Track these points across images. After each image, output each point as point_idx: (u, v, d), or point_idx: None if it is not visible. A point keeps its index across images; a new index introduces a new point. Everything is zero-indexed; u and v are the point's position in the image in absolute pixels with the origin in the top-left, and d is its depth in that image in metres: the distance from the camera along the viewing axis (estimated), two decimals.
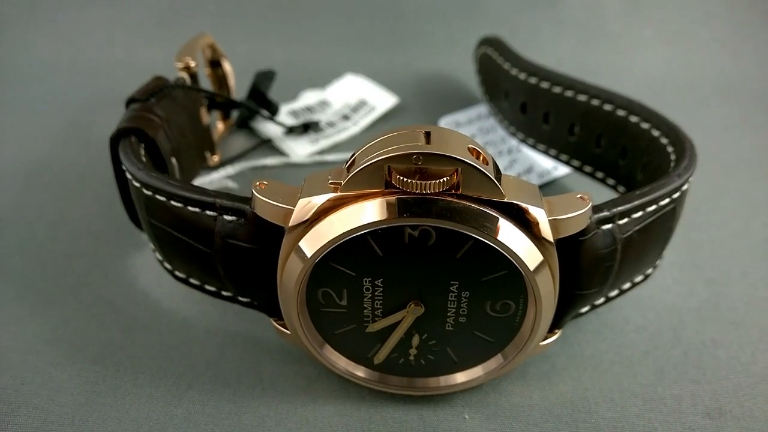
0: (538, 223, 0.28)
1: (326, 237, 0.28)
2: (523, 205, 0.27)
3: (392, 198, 0.27)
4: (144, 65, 0.64)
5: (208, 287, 0.36)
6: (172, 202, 0.33)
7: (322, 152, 0.53)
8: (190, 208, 0.32)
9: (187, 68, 0.45)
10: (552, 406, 0.35)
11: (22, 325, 0.38)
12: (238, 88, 0.55)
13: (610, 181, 0.46)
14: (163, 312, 0.39)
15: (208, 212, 0.32)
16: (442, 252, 0.28)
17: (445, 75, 0.64)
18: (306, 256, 0.28)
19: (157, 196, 0.33)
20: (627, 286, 0.36)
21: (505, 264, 0.28)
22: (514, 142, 0.55)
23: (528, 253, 0.28)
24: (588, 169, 0.47)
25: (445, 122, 0.57)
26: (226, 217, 0.31)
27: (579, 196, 0.30)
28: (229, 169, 0.50)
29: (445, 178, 0.26)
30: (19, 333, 0.38)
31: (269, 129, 0.54)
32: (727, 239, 0.46)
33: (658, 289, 0.41)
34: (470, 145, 0.27)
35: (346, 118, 0.57)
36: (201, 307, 0.39)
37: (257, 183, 0.30)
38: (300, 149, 0.53)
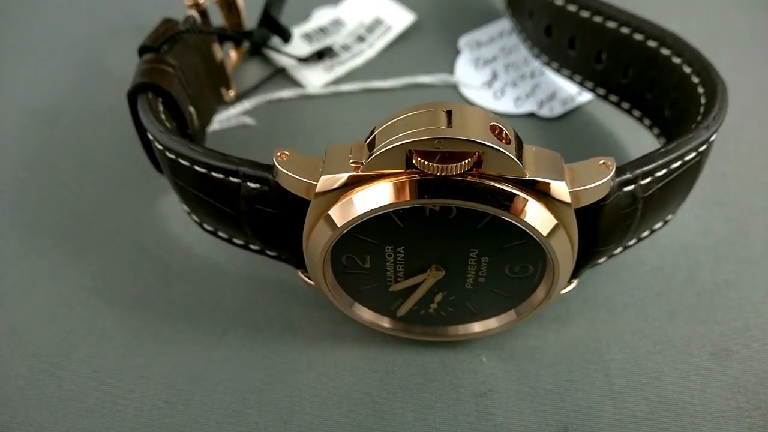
0: (560, 196, 0.28)
1: (351, 214, 0.28)
2: (545, 180, 0.27)
3: (413, 179, 0.27)
4: None
5: (236, 241, 0.37)
6: (196, 168, 0.33)
7: (337, 81, 0.52)
8: (214, 174, 0.32)
9: (197, 5, 0.43)
10: (565, 347, 0.37)
11: (63, 274, 0.40)
12: (249, 9, 0.52)
13: (636, 113, 0.45)
14: (194, 258, 0.41)
15: (232, 179, 0.32)
16: (463, 224, 0.29)
17: None
18: (336, 226, 0.29)
19: (181, 160, 0.33)
20: (646, 234, 0.37)
21: (524, 235, 0.29)
22: (537, 64, 0.53)
23: (547, 225, 0.28)
24: (614, 98, 0.46)
25: (464, 41, 0.55)
26: (250, 184, 0.32)
27: (602, 161, 0.30)
28: (246, 104, 0.50)
29: (466, 160, 0.26)
30: (62, 282, 0.40)
31: (283, 57, 0.53)
32: (753, 171, 0.45)
33: (678, 226, 0.42)
34: (492, 123, 0.27)
35: (361, 39, 0.55)
36: (230, 254, 0.41)
37: (278, 153, 0.30)
38: (315, 79, 0.52)
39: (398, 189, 0.27)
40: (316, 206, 0.30)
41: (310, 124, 0.49)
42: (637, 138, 0.47)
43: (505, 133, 0.27)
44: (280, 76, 0.53)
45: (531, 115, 0.49)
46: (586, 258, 0.33)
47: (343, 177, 0.28)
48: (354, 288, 0.34)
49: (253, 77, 0.52)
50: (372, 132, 0.28)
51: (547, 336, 0.37)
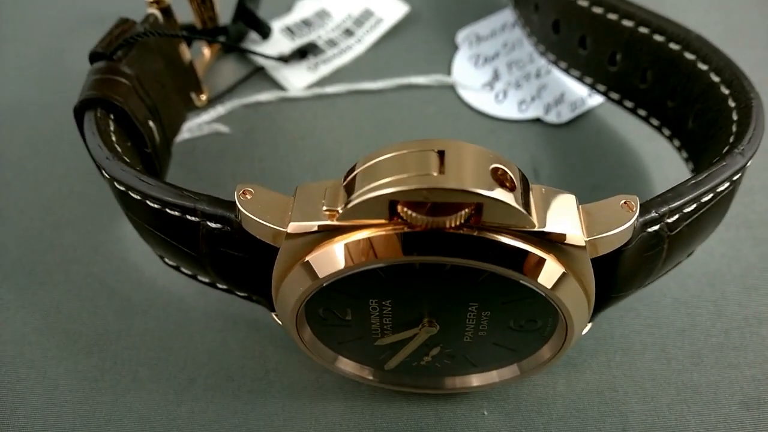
0: (573, 248, 0.23)
1: (334, 266, 0.24)
2: (559, 231, 0.23)
3: (399, 233, 0.22)
4: None
5: (201, 279, 0.32)
6: (148, 203, 0.28)
7: (322, 82, 0.47)
8: (169, 210, 0.28)
9: (157, 1, 0.38)
10: (578, 397, 0.33)
11: (12, 310, 0.36)
12: (226, 1, 0.47)
13: (655, 122, 0.40)
14: (158, 292, 0.37)
15: (189, 217, 0.28)
16: (459, 279, 0.24)
17: None
18: (318, 277, 0.24)
19: (131, 194, 0.29)
20: (668, 269, 0.32)
21: (531, 291, 0.24)
22: (543, 62, 0.47)
23: (553, 277, 0.24)
24: (629, 104, 0.41)
25: (463, 35, 0.49)
26: (210, 224, 0.27)
27: (623, 201, 0.25)
28: (220, 109, 0.45)
29: (462, 212, 0.22)
30: (10, 320, 0.36)
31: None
32: None
33: (701, 252, 0.37)
34: (494, 165, 0.22)
35: (348, 33, 0.50)
36: (198, 287, 0.36)
37: (241, 191, 0.26)
38: (297, 79, 0.47)
39: (384, 243, 0.23)
40: (288, 251, 0.25)
41: (292, 131, 0.45)
42: (654, 149, 0.42)
43: (510, 176, 0.22)
44: (259, 76, 0.47)
45: (536, 121, 0.44)
46: (602, 304, 0.29)
47: (314, 227, 0.23)
48: (334, 341, 0.29)
49: (229, 78, 0.47)
50: (352, 170, 0.23)
51: (556, 384, 0.33)
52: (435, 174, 0.21)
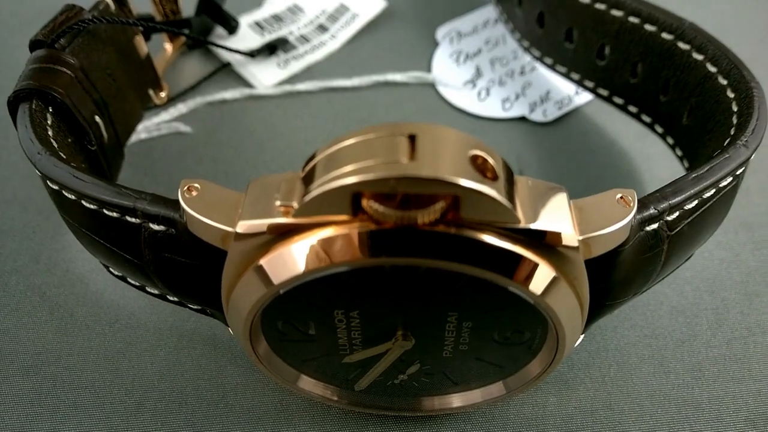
0: (564, 248, 0.20)
1: (292, 270, 0.20)
2: (548, 229, 0.20)
3: (364, 232, 0.19)
4: None
5: (149, 290, 0.29)
6: (83, 203, 0.25)
7: (292, 79, 0.44)
8: (106, 211, 0.24)
9: None
10: (570, 417, 0.29)
11: None
12: None
13: (646, 118, 0.37)
14: (104, 306, 0.33)
15: (129, 218, 0.24)
16: (435, 284, 0.21)
17: None
18: (272, 283, 0.21)
19: (65, 192, 0.25)
20: (667, 273, 0.29)
21: (516, 298, 0.21)
22: (528, 59, 0.45)
23: (543, 283, 0.21)
24: (618, 100, 0.38)
25: (443, 32, 0.47)
26: (153, 225, 0.24)
27: (619, 196, 0.22)
28: (181, 107, 0.42)
29: (437, 205, 0.19)
30: None
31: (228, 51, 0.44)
32: None
33: (699, 257, 0.34)
34: (473, 151, 0.19)
35: (322, 29, 0.47)
36: (149, 299, 0.33)
37: (185, 187, 0.22)
38: (266, 76, 0.44)
39: (346, 244, 0.19)
40: (238, 254, 0.22)
41: (260, 131, 0.41)
42: (646, 147, 0.40)
43: (491, 165, 0.19)
44: (225, 73, 0.44)
45: (521, 119, 0.42)
46: (596, 313, 0.26)
47: (266, 225, 0.20)
48: (297, 359, 0.26)
49: (192, 75, 0.44)
50: (311, 159, 0.20)
51: (546, 402, 0.30)
52: (405, 161, 0.18)
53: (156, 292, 0.29)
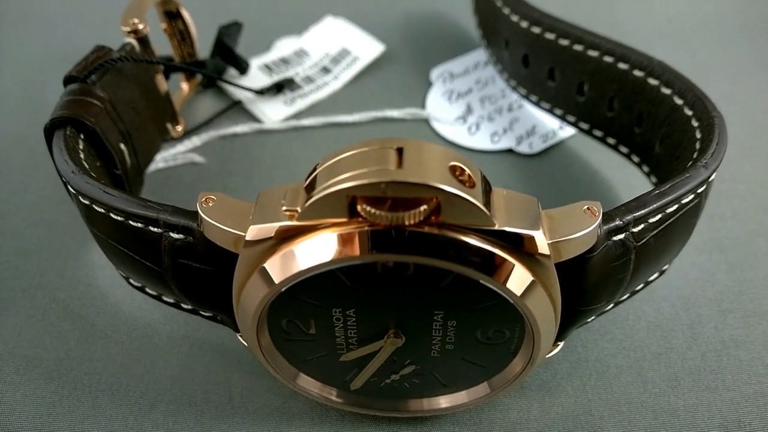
0: (535, 251, 0.23)
1: (292, 269, 0.23)
2: (518, 231, 0.23)
3: (359, 231, 0.22)
4: (104, 12, 0.57)
5: (166, 299, 0.32)
6: (112, 215, 0.28)
7: (298, 115, 0.47)
8: (132, 222, 0.27)
9: (135, 32, 0.39)
10: (552, 422, 0.31)
11: None
12: (203, 36, 0.48)
13: (623, 149, 0.40)
14: (123, 317, 0.36)
15: (152, 228, 0.27)
16: (422, 283, 0.24)
17: (437, 15, 0.57)
18: (274, 282, 0.24)
19: (95, 207, 0.29)
20: (640, 287, 0.32)
21: (496, 295, 0.24)
22: (515, 97, 0.49)
23: (521, 283, 0.24)
24: (598, 133, 0.41)
25: (437, 73, 0.51)
26: (172, 234, 0.27)
27: (586, 207, 0.25)
28: (195, 140, 0.45)
29: (422, 208, 0.21)
30: None
31: (240, 90, 0.48)
32: (754, 212, 0.41)
33: (675, 276, 0.37)
34: (452, 162, 0.22)
35: (325, 71, 0.51)
36: (164, 311, 0.36)
37: (203, 198, 0.25)
38: (273, 113, 0.47)
39: (343, 242, 0.22)
40: (246, 259, 0.25)
41: (267, 161, 0.45)
42: (626, 177, 0.43)
43: (468, 174, 0.22)
44: (236, 110, 0.48)
45: (509, 152, 0.45)
46: (571, 318, 0.28)
47: (274, 228, 0.23)
48: (298, 357, 0.28)
49: (206, 111, 0.48)
50: (312, 172, 0.23)
51: (530, 408, 0.32)
52: (393, 168, 0.21)
53: (172, 300, 0.31)
